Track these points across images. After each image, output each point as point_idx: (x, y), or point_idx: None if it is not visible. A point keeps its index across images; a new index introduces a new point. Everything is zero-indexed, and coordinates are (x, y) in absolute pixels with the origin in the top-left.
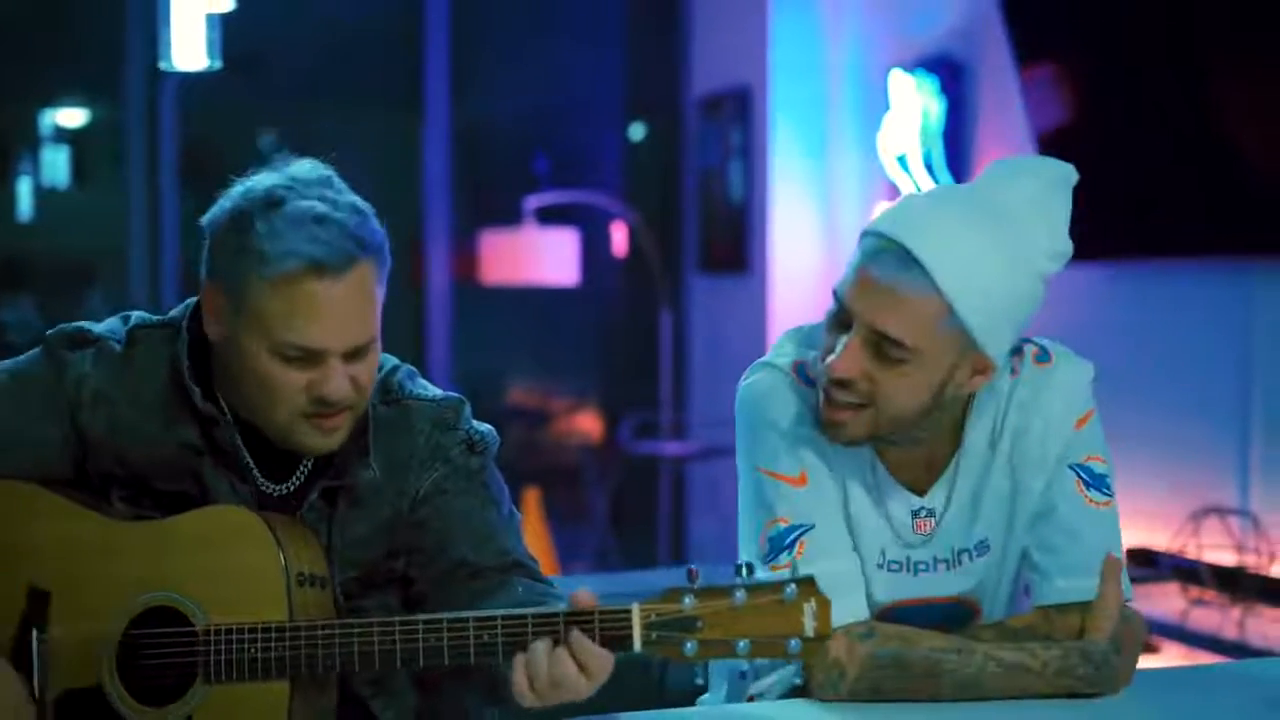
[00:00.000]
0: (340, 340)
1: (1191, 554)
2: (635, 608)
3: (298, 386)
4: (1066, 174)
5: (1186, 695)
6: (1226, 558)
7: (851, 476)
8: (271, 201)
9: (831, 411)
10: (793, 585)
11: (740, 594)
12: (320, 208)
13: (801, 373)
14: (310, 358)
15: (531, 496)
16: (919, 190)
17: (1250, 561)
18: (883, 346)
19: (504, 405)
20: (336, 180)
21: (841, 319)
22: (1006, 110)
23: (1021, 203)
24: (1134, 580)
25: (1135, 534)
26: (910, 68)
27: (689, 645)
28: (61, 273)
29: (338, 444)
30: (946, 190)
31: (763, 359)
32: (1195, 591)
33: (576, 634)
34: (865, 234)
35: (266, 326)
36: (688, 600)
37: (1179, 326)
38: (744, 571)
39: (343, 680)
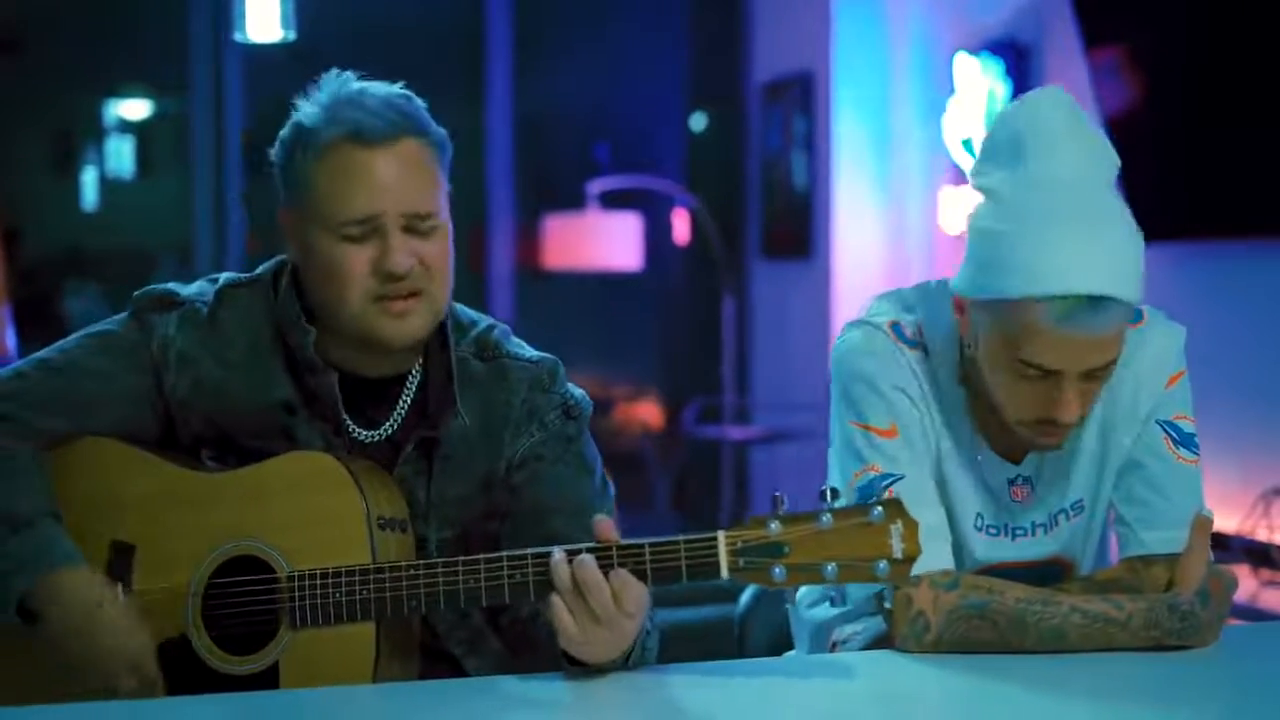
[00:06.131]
0: (392, 203)
1: (1262, 536)
2: (720, 535)
3: (363, 266)
4: (1069, 101)
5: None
6: None
7: (946, 438)
8: (316, 97)
9: (1047, 439)
10: (879, 507)
11: (826, 517)
12: (357, 84)
13: (897, 331)
14: (369, 231)
15: None
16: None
17: None
18: (1095, 374)
19: None
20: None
21: (1037, 372)
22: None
23: (1089, 168)
24: None
25: None
26: (975, 51)
27: (777, 571)
28: (127, 263)
29: (414, 336)
30: (1048, 213)
31: (857, 318)
32: (1266, 573)
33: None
34: (1049, 298)
35: (322, 207)
36: (773, 526)
37: (1247, 307)
38: (829, 496)
39: (435, 639)
